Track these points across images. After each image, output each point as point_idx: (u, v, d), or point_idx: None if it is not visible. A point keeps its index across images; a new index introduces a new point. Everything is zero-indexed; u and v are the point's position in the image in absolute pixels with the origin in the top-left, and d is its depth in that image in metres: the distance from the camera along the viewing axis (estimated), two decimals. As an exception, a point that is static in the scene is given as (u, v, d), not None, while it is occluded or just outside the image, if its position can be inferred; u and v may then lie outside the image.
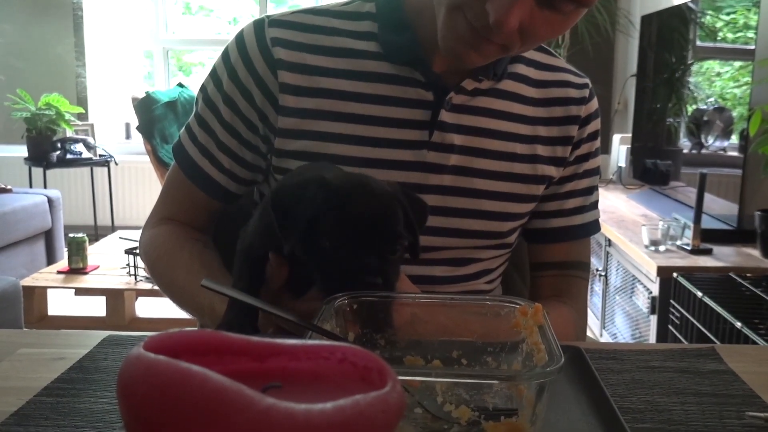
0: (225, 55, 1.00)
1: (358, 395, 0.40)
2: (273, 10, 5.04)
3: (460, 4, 0.82)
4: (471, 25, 0.82)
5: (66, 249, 3.52)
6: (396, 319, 0.73)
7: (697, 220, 2.44)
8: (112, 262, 3.43)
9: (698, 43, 3.18)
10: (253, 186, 1.07)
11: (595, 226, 1.10)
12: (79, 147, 4.66)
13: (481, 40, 0.83)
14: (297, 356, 0.47)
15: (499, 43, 0.84)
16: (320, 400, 0.40)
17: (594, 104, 1.06)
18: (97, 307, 3.38)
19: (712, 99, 2.97)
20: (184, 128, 1.04)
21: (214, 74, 1.01)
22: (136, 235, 1.12)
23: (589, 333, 3.07)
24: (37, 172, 4.63)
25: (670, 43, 3.46)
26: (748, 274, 2.20)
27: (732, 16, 2.84)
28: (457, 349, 0.72)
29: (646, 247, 2.52)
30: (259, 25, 0.97)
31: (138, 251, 1.22)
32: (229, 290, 0.74)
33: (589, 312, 3.28)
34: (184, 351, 0.44)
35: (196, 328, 0.46)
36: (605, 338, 3.12)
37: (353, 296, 0.70)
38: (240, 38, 0.98)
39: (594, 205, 1.10)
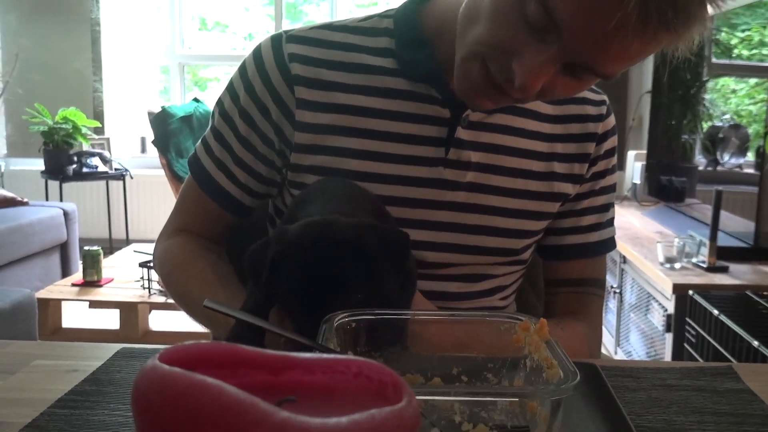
0: (242, 69, 1.00)
1: (374, 410, 0.40)
2: (288, 26, 5.08)
3: (482, 54, 0.80)
4: (489, 76, 0.81)
5: (81, 262, 3.54)
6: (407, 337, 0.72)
7: (713, 237, 2.43)
8: (127, 275, 3.44)
9: (713, 60, 3.17)
10: (268, 199, 1.07)
11: (610, 243, 1.09)
12: (95, 160, 4.70)
13: (498, 92, 0.82)
14: (312, 370, 0.47)
15: (515, 97, 0.83)
16: (335, 414, 0.39)
17: (611, 121, 1.05)
18: (110, 320, 3.39)
19: (727, 116, 2.96)
20: (200, 141, 1.05)
21: (230, 88, 1.01)
22: (151, 248, 1.12)
23: (603, 350, 3.04)
24: (54, 185, 4.66)
25: (685, 59, 3.45)
26: (765, 293, 2.18)
27: (747, 33, 2.83)
28: (456, 365, 0.71)
29: (662, 264, 2.50)
30: (276, 41, 0.98)
31: (152, 264, 1.22)
32: (232, 310, 0.73)
33: (604, 329, 3.26)
34: (200, 363, 0.44)
35: (210, 341, 0.46)
36: (620, 356, 3.09)
37: (351, 314, 0.69)
38: (257, 53, 0.98)
39: (610, 222, 1.09)
